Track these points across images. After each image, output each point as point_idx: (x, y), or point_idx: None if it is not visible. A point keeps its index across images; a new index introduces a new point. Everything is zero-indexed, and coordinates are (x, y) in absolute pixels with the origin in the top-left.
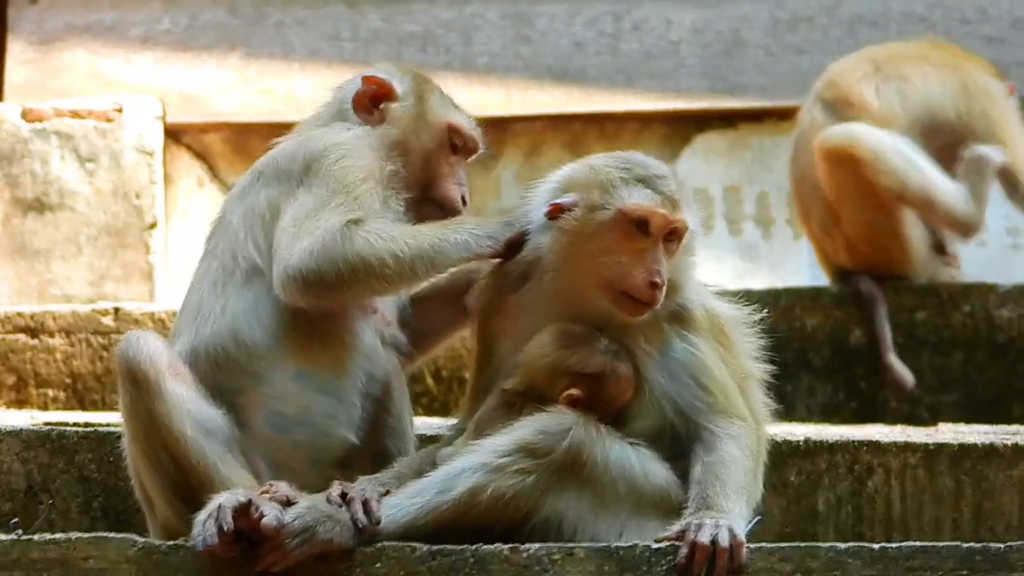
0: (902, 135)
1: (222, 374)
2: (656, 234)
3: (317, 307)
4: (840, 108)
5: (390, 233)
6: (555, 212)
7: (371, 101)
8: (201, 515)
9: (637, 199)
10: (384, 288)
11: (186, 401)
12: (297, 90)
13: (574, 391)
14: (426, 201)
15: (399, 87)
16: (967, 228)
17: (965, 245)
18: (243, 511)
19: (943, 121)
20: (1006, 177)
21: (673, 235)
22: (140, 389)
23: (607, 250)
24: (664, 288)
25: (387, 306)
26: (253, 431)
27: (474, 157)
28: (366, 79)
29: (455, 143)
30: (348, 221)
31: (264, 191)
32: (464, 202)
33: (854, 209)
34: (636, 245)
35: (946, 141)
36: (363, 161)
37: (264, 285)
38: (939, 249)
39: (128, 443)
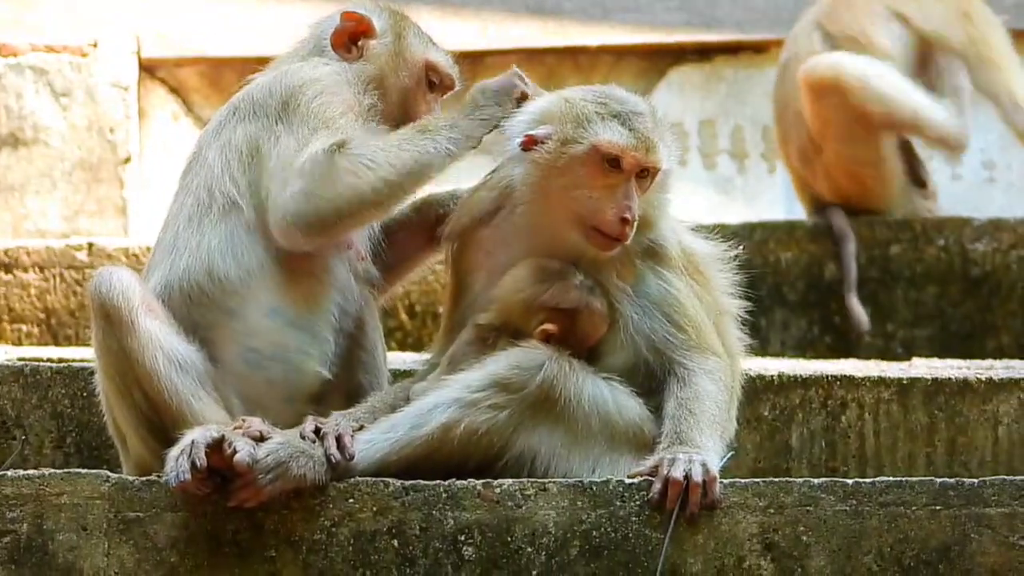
0: (898, 67)
1: (196, 309)
2: (628, 171)
3: (321, 246)
4: (843, 42)
5: (373, 158)
6: (529, 144)
7: (349, 38)
8: (174, 451)
9: (611, 136)
10: (380, 213)
11: (159, 337)
12: (273, 24)
13: (548, 326)
14: None
15: (377, 24)
16: (957, 145)
17: (941, 178)
18: (216, 447)
19: (945, 51)
20: (1001, 100)
21: (646, 172)
22: (112, 325)
23: (578, 184)
24: (635, 224)
25: (360, 240)
26: (226, 367)
27: (450, 94)
28: (345, 15)
29: (432, 80)
30: (329, 147)
31: (240, 126)
32: None
33: (836, 142)
34: (608, 180)
35: (943, 67)
36: (341, 96)
37: (240, 220)
38: (919, 183)
39: (101, 379)
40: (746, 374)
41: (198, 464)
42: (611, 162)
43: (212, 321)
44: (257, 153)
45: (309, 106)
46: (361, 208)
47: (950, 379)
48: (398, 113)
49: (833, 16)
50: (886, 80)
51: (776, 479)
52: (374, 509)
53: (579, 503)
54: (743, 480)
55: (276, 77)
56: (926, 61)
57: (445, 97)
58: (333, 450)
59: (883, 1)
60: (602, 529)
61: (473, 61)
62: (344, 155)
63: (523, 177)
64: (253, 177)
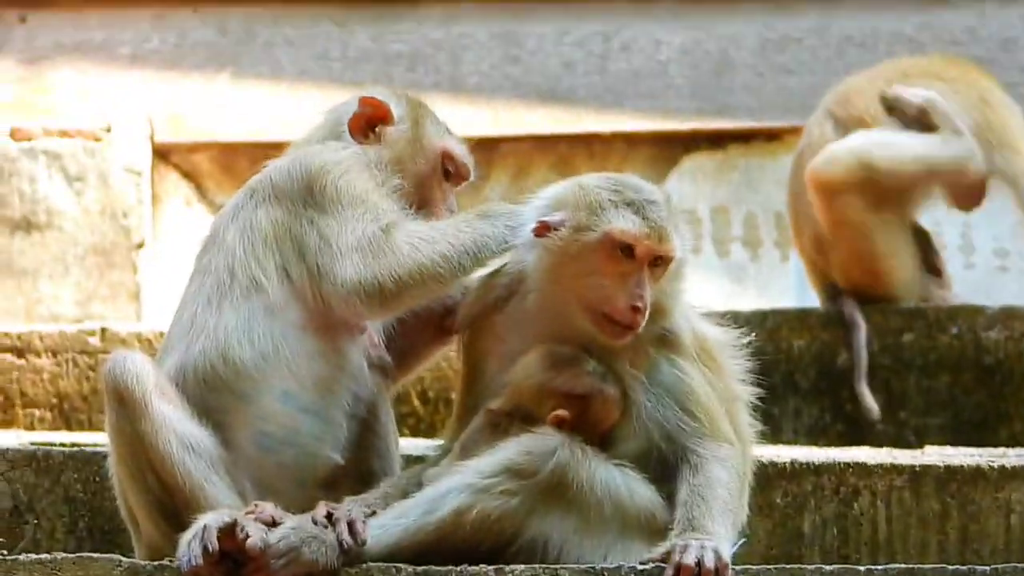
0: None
1: (209, 393)
2: (641, 259)
3: (379, 317)
4: (852, 127)
5: (430, 234)
6: (542, 230)
7: (367, 123)
8: (186, 535)
9: (624, 224)
10: (439, 289)
11: (172, 420)
12: (286, 110)
13: (561, 412)
14: None
15: (396, 110)
16: (971, 164)
17: (954, 267)
18: (228, 531)
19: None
20: (1018, 184)
21: (659, 261)
22: (126, 408)
23: (591, 272)
24: (646, 313)
25: (374, 327)
26: (239, 451)
27: (464, 185)
28: (363, 100)
29: (448, 169)
30: (384, 227)
31: (261, 209)
32: None
33: (849, 240)
34: (620, 268)
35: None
36: (364, 176)
37: (261, 303)
38: (934, 271)
39: (114, 462)
40: (758, 461)
41: (210, 548)
42: (624, 250)
43: (225, 405)
44: (287, 236)
45: (337, 185)
46: (422, 281)
47: (962, 467)
48: (413, 200)
49: (843, 102)
50: (883, 146)
51: (788, 566)
52: None
53: None
54: (755, 567)
55: (295, 160)
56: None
57: (459, 188)
58: (345, 535)
59: (893, 83)
60: None
61: (486, 148)
62: (401, 231)
63: (535, 263)
64: (282, 260)
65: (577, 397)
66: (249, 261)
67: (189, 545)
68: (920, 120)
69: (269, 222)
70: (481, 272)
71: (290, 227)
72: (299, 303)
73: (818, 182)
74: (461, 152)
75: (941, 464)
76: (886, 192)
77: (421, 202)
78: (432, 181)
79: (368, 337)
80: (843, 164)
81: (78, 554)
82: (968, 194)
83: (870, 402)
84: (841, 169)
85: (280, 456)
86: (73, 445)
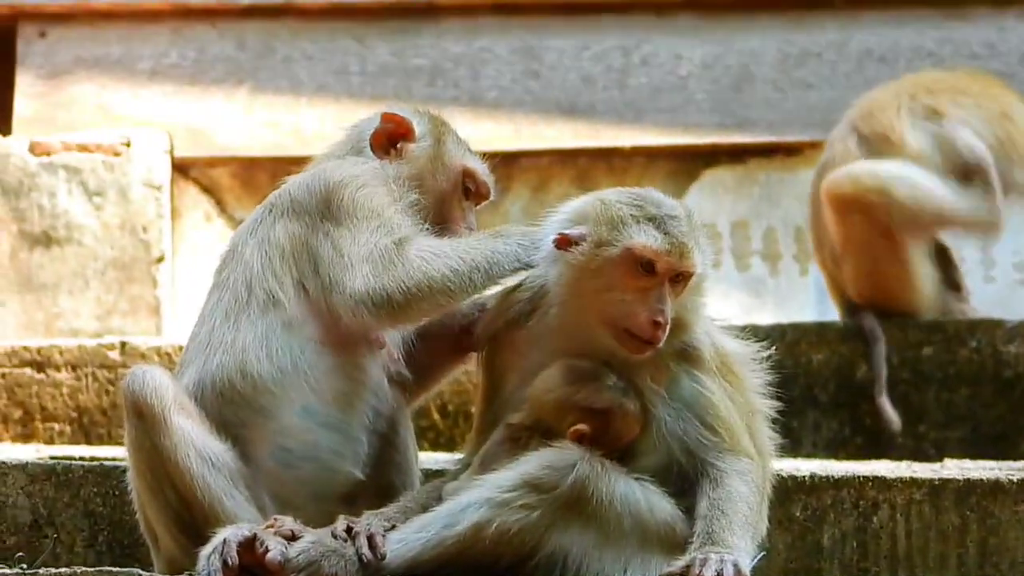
0: (930, 170)
1: (228, 407)
2: (662, 274)
3: (387, 328)
4: (877, 143)
5: (442, 249)
6: (563, 243)
7: (388, 139)
8: (206, 549)
9: (645, 240)
10: (448, 303)
11: (191, 435)
12: (305, 124)
13: (581, 426)
14: None
15: (418, 127)
16: (990, 227)
17: (974, 280)
18: (248, 546)
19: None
20: None
21: (680, 277)
22: (145, 423)
23: (612, 287)
24: (667, 327)
25: (393, 342)
26: (258, 465)
27: (484, 203)
28: (386, 116)
29: (468, 187)
30: (396, 240)
31: (280, 224)
32: None
33: (861, 255)
34: (641, 284)
35: (983, 171)
36: (382, 190)
37: (279, 317)
38: (954, 286)
39: (133, 477)
40: (778, 475)
41: (230, 563)
42: (645, 265)
43: (244, 419)
44: (303, 250)
45: (354, 198)
46: (431, 293)
47: (982, 480)
48: (433, 217)
49: (867, 117)
50: (907, 183)
51: None
52: None
53: None
54: None
55: (314, 175)
56: (960, 163)
57: (480, 207)
58: (365, 549)
59: (918, 99)
60: None
61: (506, 162)
62: (413, 245)
63: (556, 278)
64: (299, 274)
65: (597, 412)
66: (266, 275)
67: (209, 559)
68: (961, 166)
69: (287, 236)
70: (494, 289)
71: (307, 240)
72: (316, 318)
73: (833, 195)
74: (482, 171)
75: (960, 477)
76: (896, 223)
77: (440, 219)
78: (452, 199)
79: (387, 352)
80: (863, 185)
81: (97, 568)
82: (981, 237)
83: (891, 414)
84: (859, 189)
85: (300, 471)
86: (93, 459)
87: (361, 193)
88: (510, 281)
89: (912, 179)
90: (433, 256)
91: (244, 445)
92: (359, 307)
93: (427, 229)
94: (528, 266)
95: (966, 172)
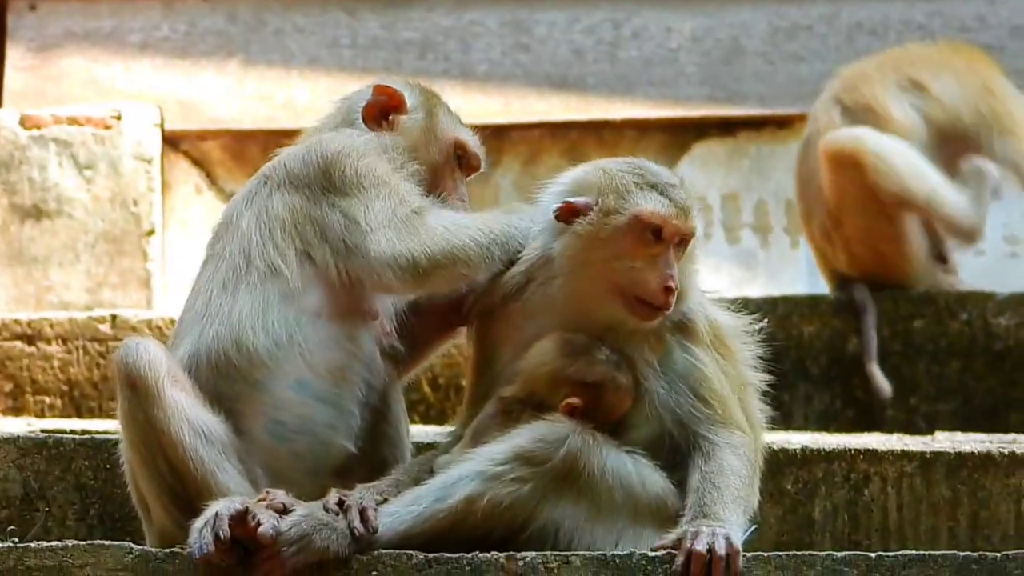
0: (914, 143)
1: (222, 380)
2: (669, 240)
3: (410, 292)
4: (860, 113)
5: (463, 220)
6: (567, 212)
7: (381, 111)
8: (198, 523)
9: (652, 205)
10: (469, 274)
11: (185, 408)
12: (296, 97)
13: (573, 400)
14: None
15: (409, 100)
16: (970, 234)
17: (964, 253)
18: (240, 519)
19: (964, 126)
20: (1021, 171)
21: (682, 242)
22: (139, 395)
23: (621, 255)
24: (676, 292)
25: (386, 314)
26: (251, 439)
27: (474, 175)
28: (378, 88)
29: (460, 159)
30: (415, 209)
31: (277, 195)
32: None
33: (855, 214)
34: (649, 251)
35: (964, 144)
36: (380, 160)
37: (276, 288)
38: (940, 258)
39: (125, 449)
40: (769, 448)
41: (222, 536)
42: (653, 231)
43: (238, 392)
44: (307, 221)
45: (357, 168)
46: (453, 262)
47: (973, 453)
48: (427, 186)
49: (850, 88)
50: (906, 160)
51: (799, 552)
52: None
53: None
54: (766, 553)
55: (310, 147)
56: (943, 137)
57: (470, 178)
58: (356, 523)
59: (901, 71)
60: None
61: (497, 135)
62: (432, 214)
63: (562, 249)
64: (303, 245)
65: (590, 385)
66: (267, 247)
67: (200, 532)
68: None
69: (287, 209)
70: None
71: (309, 212)
72: (320, 286)
73: (833, 151)
74: (474, 142)
75: (952, 450)
76: (886, 193)
77: (432, 190)
78: (445, 170)
79: (380, 325)
80: (864, 146)
81: (89, 542)
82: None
83: (881, 381)
84: (861, 148)
85: (293, 445)
86: (84, 432)
87: (362, 163)
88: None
89: (911, 158)
90: (456, 226)
91: (237, 418)
92: (385, 269)
93: (435, 200)
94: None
95: (949, 143)
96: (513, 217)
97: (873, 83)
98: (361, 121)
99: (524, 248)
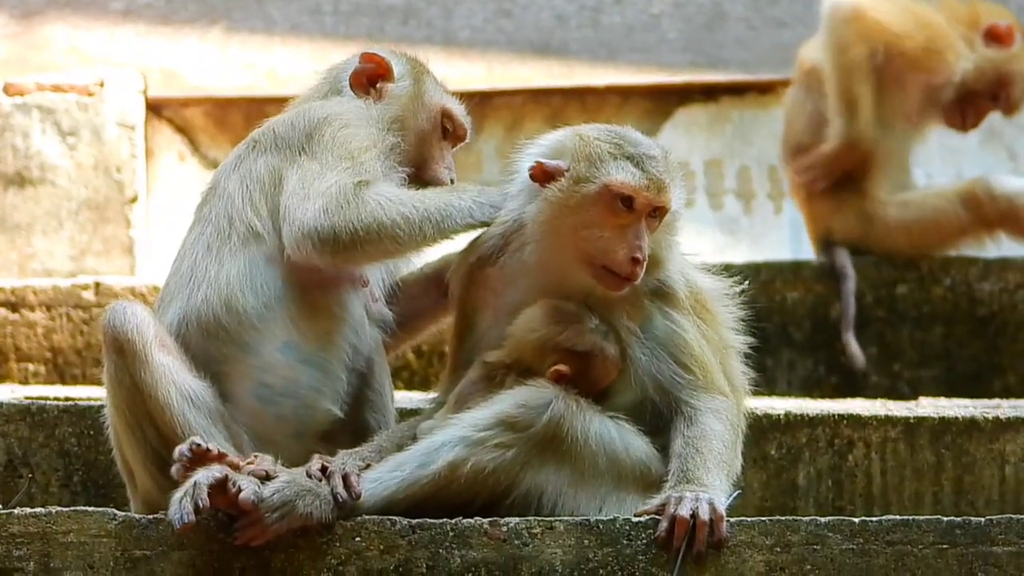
0: None
1: (211, 342)
2: (640, 211)
3: (330, 266)
4: None
5: (399, 196)
6: (539, 173)
7: (368, 79)
8: (178, 492)
9: (623, 176)
10: (395, 250)
11: (172, 372)
12: (278, 64)
13: (561, 367)
14: (416, 182)
15: (396, 68)
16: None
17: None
18: (219, 487)
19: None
20: None
21: (656, 213)
22: (126, 359)
23: (590, 224)
24: (645, 264)
25: (375, 282)
26: (238, 403)
27: (460, 145)
28: (365, 56)
29: (446, 128)
30: (357, 182)
31: (262, 158)
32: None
33: (860, 83)
34: (619, 220)
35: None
36: (365, 130)
37: (260, 251)
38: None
39: (111, 414)
40: (753, 414)
41: (201, 505)
42: (624, 201)
43: (226, 355)
44: (279, 181)
45: (335, 136)
46: (380, 238)
47: (957, 418)
48: (413, 156)
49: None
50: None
51: (783, 518)
52: (381, 547)
53: (586, 541)
54: (750, 519)
55: (299, 112)
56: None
57: (455, 148)
58: (339, 489)
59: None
60: (609, 567)
61: (479, 101)
62: (371, 188)
63: (534, 215)
64: (274, 205)
65: (578, 353)
66: (246, 209)
67: (181, 502)
68: None
69: (267, 169)
70: (444, 244)
71: (282, 171)
72: None
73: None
74: (460, 112)
75: (935, 416)
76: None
77: (420, 159)
78: (432, 139)
79: (369, 292)
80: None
81: (72, 508)
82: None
83: (855, 351)
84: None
85: (279, 408)
86: (67, 399)
87: (343, 132)
88: (461, 237)
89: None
90: (388, 202)
91: (224, 382)
92: (304, 240)
93: (404, 173)
94: (482, 224)
95: None
96: (455, 196)
97: None
98: (349, 88)
99: (463, 228)
